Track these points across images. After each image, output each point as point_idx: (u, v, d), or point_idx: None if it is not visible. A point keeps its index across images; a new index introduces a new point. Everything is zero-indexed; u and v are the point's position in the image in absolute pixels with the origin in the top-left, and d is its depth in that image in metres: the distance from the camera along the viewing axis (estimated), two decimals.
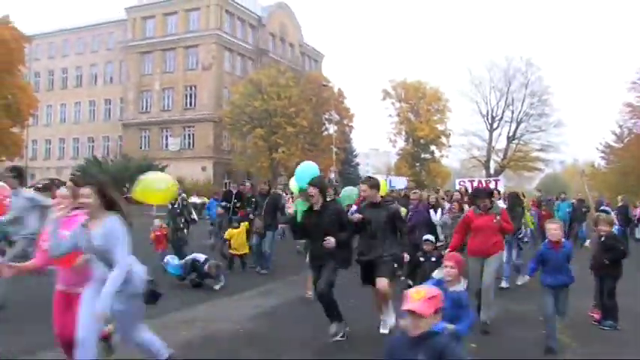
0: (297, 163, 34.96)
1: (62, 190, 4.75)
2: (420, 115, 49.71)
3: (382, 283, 6.07)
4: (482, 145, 49.12)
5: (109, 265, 4.01)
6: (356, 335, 6.17)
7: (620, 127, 40.83)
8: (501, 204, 10.44)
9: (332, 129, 46.54)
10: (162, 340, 5.27)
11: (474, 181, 18.52)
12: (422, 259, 8.42)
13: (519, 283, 9.63)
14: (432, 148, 50.77)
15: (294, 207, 6.67)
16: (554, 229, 5.94)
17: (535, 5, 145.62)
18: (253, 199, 12.32)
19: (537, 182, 58.33)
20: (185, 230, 11.75)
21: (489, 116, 48.31)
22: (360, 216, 6.31)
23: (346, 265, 6.25)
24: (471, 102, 48.43)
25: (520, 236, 9.97)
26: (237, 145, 45.77)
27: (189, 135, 48.93)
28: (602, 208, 14.82)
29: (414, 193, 10.99)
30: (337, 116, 47.59)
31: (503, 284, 9.46)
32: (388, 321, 6.36)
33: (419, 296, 2.74)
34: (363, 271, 6.43)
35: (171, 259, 9.70)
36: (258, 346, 5.94)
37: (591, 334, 6.67)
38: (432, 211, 10.46)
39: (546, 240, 6.08)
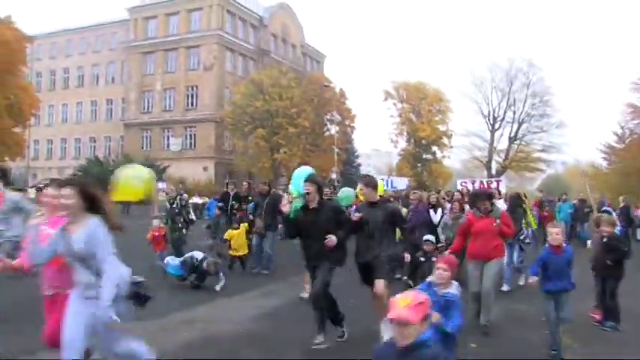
0: (299, 164, 35.09)
1: (50, 190, 4.57)
2: (421, 116, 49.66)
3: (380, 285, 5.87)
4: (483, 145, 49.10)
5: (91, 269, 3.86)
6: (356, 335, 6.15)
7: (622, 127, 40.76)
8: (502, 204, 10.41)
9: (333, 129, 46.54)
10: (163, 341, 5.26)
11: (475, 181, 18.45)
12: (422, 259, 8.38)
13: (521, 283, 9.62)
14: (434, 148, 50.73)
15: (290, 207, 6.46)
16: (555, 234, 5.83)
17: (537, 6, 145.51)
18: (250, 198, 12.29)
19: (539, 183, 58.18)
20: (184, 230, 11.73)
21: (491, 117, 48.28)
22: (360, 215, 6.09)
23: (340, 264, 6.10)
24: (472, 102, 48.43)
25: (522, 237, 9.90)
26: (238, 146, 45.79)
27: (190, 135, 48.97)
28: (604, 208, 14.82)
29: (414, 193, 10.89)
30: (339, 117, 47.61)
31: (504, 288, 9.41)
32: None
33: (405, 303, 2.59)
34: (362, 272, 6.27)
35: (171, 260, 9.69)
36: (259, 347, 5.93)
37: (592, 334, 6.65)
38: (432, 212, 10.42)
39: (548, 244, 5.97)
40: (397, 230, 9.49)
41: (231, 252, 11.13)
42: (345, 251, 6.16)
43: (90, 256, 3.82)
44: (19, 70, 33.14)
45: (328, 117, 47.24)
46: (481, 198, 6.95)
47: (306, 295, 7.68)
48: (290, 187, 6.33)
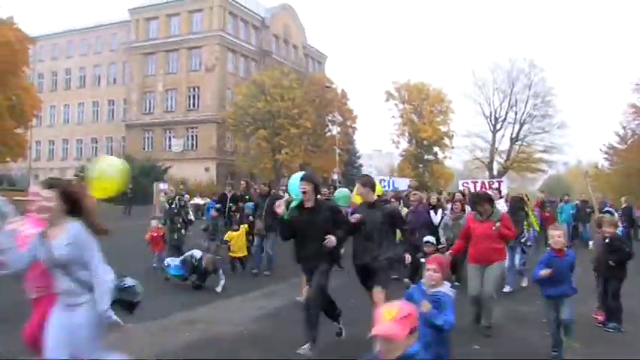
0: (300, 165, 35.01)
1: (35, 188, 4.22)
2: (423, 117, 49.64)
3: (379, 295, 5.65)
4: (485, 146, 49.10)
5: (72, 276, 3.67)
6: (357, 336, 6.13)
7: (624, 128, 40.72)
8: (502, 205, 10.35)
9: (335, 130, 46.54)
10: (164, 342, 5.24)
11: (477, 182, 18.40)
12: (423, 260, 8.28)
13: (524, 285, 9.58)
14: (435, 149, 50.68)
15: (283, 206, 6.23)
16: (557, 236, 5.68)
17: (538, 6, 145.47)
18: (247, 197, 12.26)
19: (541, 183, 58.25)
20: (183, 231, 11.70)
21: (492, 117, 48.27)
22: (359, 216, 5.93)
23: (335, 263, 5.99)
24: (474, 103, 48.44)
25: (523, 240, 9.81)
26: (240, 147, 45.78)
27: (192, 136, 48.98)
28: (606, 209, 14.79)
29: (414, 194, 10.71)
30: (340, 117, 47.61)
31: (506, 289, 9.39)
32: None
33: (390, 316, 2.43)
34: (360, 274, 6.10)
35: (172, 261, 9.69)
36: (261, 347, 5.93)
37: (595, 335, 6.63)
38: (432, 213, 10.35)
39: (549, 247, 5.80)
40: (397, 231, 9.46)
41: (230, 254, 11.09)
42: (339, 252, 6.05)
43: (72, 262, 3.64)
44: (21, 71, 33.10)
45: (330, 118, 47.25)
46: (480, 201, 6.84)
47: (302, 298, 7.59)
48: (288, 190, 6.25)
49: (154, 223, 11.49)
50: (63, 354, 3.64)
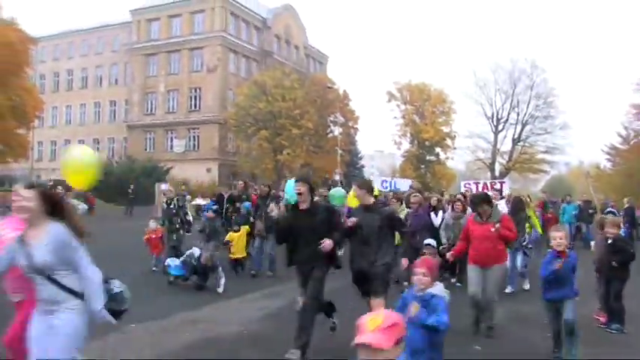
0: (302, 165, 34.93)
1: (16, 188, 4.00)
2: (424, 117, 49.58)
3: (377, 303, 5.44)
4: (487, 147, 49.06)
5: (56, 282, 3.47)
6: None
7: (626, 128, 40.73)
8: (503, 205, 10.30)
9: (337, 131, 46.48)
10: (166, 342, 5.23)
11: (479, 183, 18.39)
12: None
13: (526, 287, 9.52)
14: (437, 150, 50.60)
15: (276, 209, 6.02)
16: (559, 238, 5.56)
17: (540, 7, 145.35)
18: (244, 197, 12.22)
19: (543, 184, 58.18)
20: (181, 231, 11.67)
21: (494, 118, 48.21)
22: (355, 220, 5.74)
23: (330, 267, 5.79)
24: (475, 104, 48.39)
25: (524, 243, 9.71)
26: (242, 147, 45.76)
27: (194, 137, 49.00)
28: (608, 210, 14.78)
29: (415, 196, 10.41)
30: (342, 118, 47.54)
31: (508, 289, 9.37)
32: None
33: (374, 325, 2.26)
34: (356, 280, 5.90)
35: (172, 261, 9.70)
36: (262, 348, 5.92)
37: (598, 337, 6.61)
38: (432, 214, 10.24)
39: (551, 249, 5.68)
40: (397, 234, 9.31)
41: (230, 255, 11.08)
42: (337, 253, 5.85)
43: (55, 265, 3.46)
44: (23, 71, 33.14)
45: (331, 118, 47.20)
46: (480, 202, 6.75)
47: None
48: (286, 195, 6.17)
49: (152, 223, 11.45)
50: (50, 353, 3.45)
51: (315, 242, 5.40)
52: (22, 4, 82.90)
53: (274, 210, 5.81)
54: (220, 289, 9.09)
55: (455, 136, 49.92)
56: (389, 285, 5.86)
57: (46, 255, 3.42)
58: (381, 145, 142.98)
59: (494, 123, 48.22)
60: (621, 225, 8.37)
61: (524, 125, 47.26)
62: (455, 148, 50.47)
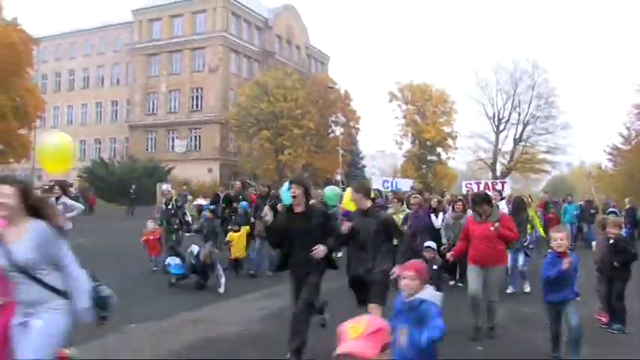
0: (304, 165, 34.81)
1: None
2: (426, 117, 49.59)
3: (374, 311, 5.12)
4: (488, 147, 49.10)
5: (40, 281, 3.33)
6: None
7: (628, 128, 40.74)
8: (504, 206, 10.25)
9: (338, 131, 46.48)
10: (167, 342, 5.22)
11: (480, 183, 18.38)
12: None
13: (527, 290, 9.46)
14: (439, 150, 50.62)
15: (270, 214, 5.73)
16: (560, 239, 5.43)
17: (541, 7, 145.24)
18: (241, 197, 12.17)
19: (544, 184, 58.13)
20: (180, 232, 11.64)
21: (496, 118, 48.25)
22: (350, 225, 5.49)
23: (325, 272, 5.57)
24: (477, 104, 48.46)
25: (525, 243, 9.67)
26: (243, 147, 45.80)
27: (195, 137, 49.04)
28: (610, 210, 14.75)
29: (415, 197, 10.17)
30: (343, 118, 47.53)
31: (509, 290, 9.35)
32: None
33: (356, 333, 2.09)
34: (353, 287, 5.64)
35: (172, 260, 9.70)
36: (263, 348, 5.92)
37: (599, 337, 6.60)
38: (433, 216, 10.14)
39: (551, 250, 5.56)
40: None
41: (230, 255, 11.08)
42: (332, 256, 5.63)
43: (39, 264, 3.32)
44: (25, 72, 33.19)
45: (333, 118, 47.19)
46: (479, 201, 6.67)
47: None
48: (281, 196, 6.01)
49: (149, 224, 11.39)
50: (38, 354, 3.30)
51: (311, 246, 5.22)
52: (24, 5, 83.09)
53: (268, 214, 5.57)
54: (221, 289, 9.08)
55: (456, 136, 50.02)
56: (387, 292, 5.47)
57: (29, 252, 3.28)
58: (382, 145, 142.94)
59: (496, 123, 48.28)
60: (622, 225, 8.33)
61: (525, 125, 47.30)
62: (456, 148, 50.60)
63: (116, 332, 6.32)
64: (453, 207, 10.17)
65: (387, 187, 18.66)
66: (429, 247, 8.24)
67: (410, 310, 3.71)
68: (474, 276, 6.47)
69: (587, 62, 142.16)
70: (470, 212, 9.03)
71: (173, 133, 49.87)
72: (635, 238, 16.92)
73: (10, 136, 31.88)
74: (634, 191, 29.36)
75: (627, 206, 18.29)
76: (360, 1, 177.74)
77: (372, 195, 7.03)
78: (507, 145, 48.64)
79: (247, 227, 11.18)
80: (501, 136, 48.42)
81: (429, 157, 50.48)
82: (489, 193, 8.75)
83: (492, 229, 6.34)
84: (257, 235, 11.07)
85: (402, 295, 3.83)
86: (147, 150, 49.16)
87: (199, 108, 48.80)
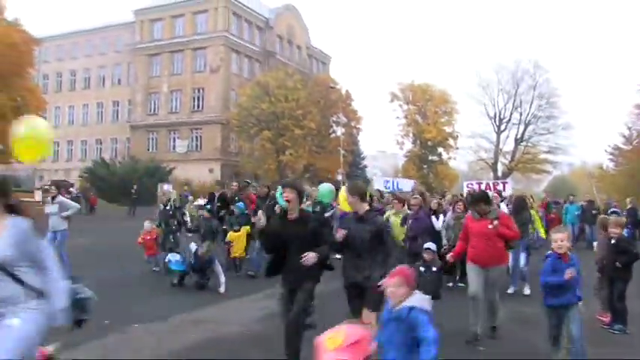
0: (305, 166, 34.80)
1: None
2: (427, 118, 49.57)
3: (369, 317, 4.90)
4: (489, 147, 49.11)
5: (17, 280, 3.24)
6: None
7: (629, 129, 40.72)
8: (503, 207, 10.21)
9: (339, 131, 46.49)
10: (168, 342, 5.21)
11: (481, 183, 18.36)
12: (422, 268, 7.57)
13: (527, 293, 9.40)
14: (440, 150, 50.61)
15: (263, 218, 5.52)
16: (560, 240, 5.21)
17: (543, 7, 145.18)
18: (237, 198, 12.13)
19: (545, 185, 58.12)
20: (178, 234, 11.62)
21: (497, 118, 48.26)
22: (344, 233, 5.20)
23: (320, 277, 5.34)
24: (478, 104, 48.49)
25: (530, 243, 9.58)
26: (244, 147, 45.83)
27: (196, 137, 49.08)
28: (611, 210, 14.74)
29: (415, 198, 9.90)
30: (345, 118, 47.54)
31: (510, 290, 9.32)
32: None
33: (334, 344, 1.99)
34: (349, 295, 5.35)
35: (172, 257, 9.70)
36: (264, 348, 5.91)
37: (599, 337, 6.59)
38: (433, 218, 9.98)
39: (551, 251, 5.34)
40: (401, 234, 9.07)
41: (230, 255, 11.07)
42: (327, 258, 5.37)
43: (17, 261, 3.24)
44: (27, 72, 33.25)
45: (334, 119, 47.20)
46: (477, 200, 6.61)
47: None
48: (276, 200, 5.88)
49: (147, 224, 11.37)
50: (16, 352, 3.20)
51: (307, 251, 5.02)
52: (26, 5, 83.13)
53: (261, 219, 5.35)
54: (222, 289, 9.07)
55: (457, 137, 50.01)
56: (384, 299, 4.93)
57: (7, 249, 3.19)
58: (383, 146, 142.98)
59: (497, 123, 48.31)
60: (624, 225, 8.32)
61: (526, 125, 47.32)
62: (457, 149, 50.61)
63: (116, 332, 6.33)
64: (454, 208, 10.13)
65: (389, 187, 18.67)
66: (429, 248, 8.05)
67: (398, 320, 3.47)
68: (474, 276, 6.36)
69: (589, 62, 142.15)
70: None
71: (174, 133, 49.91)
72: (636, 238, 16.90)
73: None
74: (635, 191, 29.31)
75: (629, 206, 18.26)
76: (362, 1, 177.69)
77: (374, 194, 6.90)
78: (509, 145, 48.75)
79: (247, 227, 11.15)
80: (502, 136, 48.52)
81: (430, 158, 50.47)
82: (489, 193, 8.72)
83: (491, 226, 6.24)
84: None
85: (389, 305, 3.60)
86: (148, 150, 49.21)
87: (200, 108, 48.84)
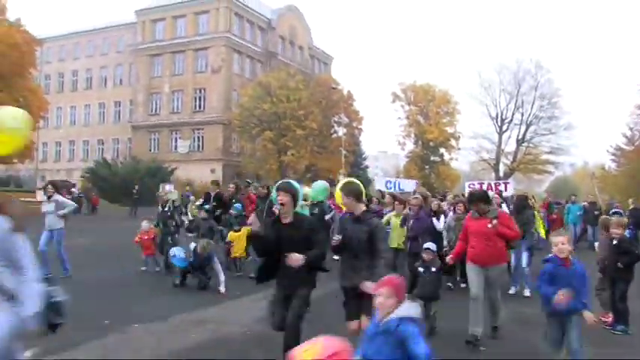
0: (306, 166, 34.80)
1: None
2: (429, 118, 49.61)
3: (364, 323, 4.73)
4: (491, 147, 49.09)
5: None
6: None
7: (631, 129, 40.66)
8: (504, 209, 10.15)
9: (341, 131, 46.53)
10: (170, 342, 5.18)
11: (483, 183, 18.30)
12: (421, 269, 7.32)
13: (527, 294, 9.35)
14: (442, 150, 50.67)
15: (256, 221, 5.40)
16: (561, 243, 4.82)
17: (545, 7, 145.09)
18: (234, 200, 12.08)
19: (547, 185, 58.11)
20: (176, 234, 11.59)
21: (499, 119, 48.22)
22: (340, 238, 5.06)
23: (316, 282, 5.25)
24: (480, 105, 48.47)
25: (534, 243, 9.51)
26: (246, 148, 45.90)
27: (198, 137, 49.14)
28: (613, 210, 14.70)
29: (415, 198, 9.71)
30: (346, 119, 47.58)
31: (511, 290, 9.29)
32: None
33: (310, 356, 1.87)
34: (346, 297, 5.23)
35: (177, 251, 9.65)
36: (266, 348, 5.89)
37: (601, 337, 6.56)
38: (434, 219, 9.79)
39: (552, 255, 4.94)
40: (402, 236, 8.96)
41: (230, 255, 11.07)
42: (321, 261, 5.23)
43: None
44: (29, 72, 33.33)
45: (336, 119, 47.24)
46: (476, 200, 6.51)
47: None
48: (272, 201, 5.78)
49: (144, 224, 11.32)
50: None
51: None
52: (28, 6, 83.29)
53: (255, 222, 5.27)
54: (222, 288, 9.04)
55: (459, 137, 50.05)
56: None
57: None
58: (385, 146, 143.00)
59: (499, 123, 48.28)
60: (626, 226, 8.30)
61: (528, 126, 47.29)
62: (459, 149, 50.68)
63: (116, 332, 6.32)
64: (454, 209, 10.08)
65: (390, 188, 18.61)
66: (428, 248, 7.86)
67: (386, 333, 3.24)
68: (473, 276, 6.29)
69: (591, 63, 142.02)
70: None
71: (176, 133, 49.97)
72: (638, 238, 16.85)
73: None
74: (637, 192, 29.26)
75: (631, 207, 18.21)
76: (364, 2, 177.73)
77: (374, 194, 6.86)
78: (510, 146, 48.76)
79: (248, 228, 11.13)
80: (504, 136, 48.51)
81: (431, 158, 50.52)
82: (489, 193, 8.68)
83: (490, 225, 6.16)
84: None
85: (377, 317, 3.37)
86: (150, 150, 49.29)
87: (202, 108, 48.90)
